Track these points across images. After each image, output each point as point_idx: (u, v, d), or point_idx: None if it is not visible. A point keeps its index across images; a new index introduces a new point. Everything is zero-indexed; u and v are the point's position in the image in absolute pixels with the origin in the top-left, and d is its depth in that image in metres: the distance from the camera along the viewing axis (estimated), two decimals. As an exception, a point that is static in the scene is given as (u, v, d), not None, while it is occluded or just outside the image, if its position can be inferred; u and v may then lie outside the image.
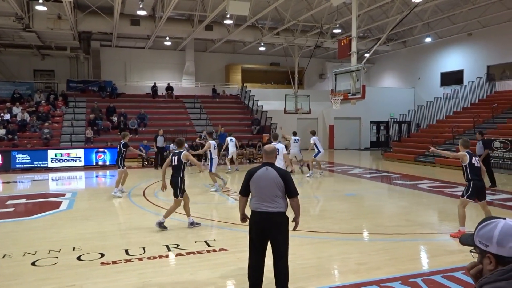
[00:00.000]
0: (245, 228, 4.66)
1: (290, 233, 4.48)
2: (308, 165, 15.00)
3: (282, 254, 4.34)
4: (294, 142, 15.15)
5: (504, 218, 1.56)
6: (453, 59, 25.41)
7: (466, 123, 19.86)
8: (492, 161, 15.53)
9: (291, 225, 4.45)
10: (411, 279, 4.95)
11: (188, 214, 7.54)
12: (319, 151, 14.46)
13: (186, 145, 12.30)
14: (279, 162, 10.19)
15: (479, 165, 6.78)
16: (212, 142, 11.61)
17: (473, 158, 6.77)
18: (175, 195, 7.41)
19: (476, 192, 6.77)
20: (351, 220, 8.39)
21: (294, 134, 15.79)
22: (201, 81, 28.94)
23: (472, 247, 1.61)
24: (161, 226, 7.22)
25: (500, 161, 15.47)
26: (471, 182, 6.70)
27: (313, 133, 15.06)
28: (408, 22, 23.00)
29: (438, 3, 18.91)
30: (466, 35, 23.93)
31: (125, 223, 7.89)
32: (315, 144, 14.48)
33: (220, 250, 6.10)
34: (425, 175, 14.75)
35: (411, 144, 21.23)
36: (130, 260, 5.64)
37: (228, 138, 15.65)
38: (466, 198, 6.77)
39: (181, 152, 7.42)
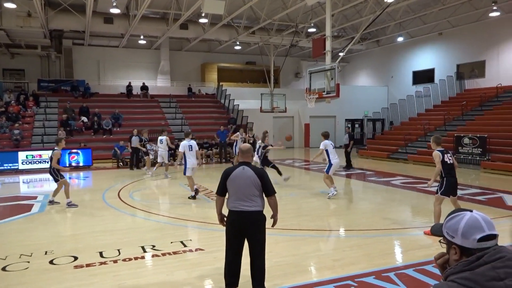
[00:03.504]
0: (221, 227, 4.67)
1: (267, 231, 4.53)
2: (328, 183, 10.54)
3: (259, 252, 4.38)
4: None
5: (471, 211, 1.62)
6: (425, 58, 26.04)
7: (437, 121, 20.41)
8: (461, 157, 16.09)
9: (268, 223, 4.49)
10: (384, 273, 5.06)
11: None
12: (330, 163, 10.29)
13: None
14: (194, 159, 10.18)
15: (451, 162, 6.93)
16: (185, 142, 10.32)
17: (445, 155, 6.88)
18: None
19: (451, 188, 6.92)
20: (326, 217, 8.52)
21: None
22: (176, 80, 28.70)
23: (441, 238, 1.68)
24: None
25: (469, 157, 15.96)
26: (445, 179, 6.82)
27: (325, 136, 10.66)
28: (381, 22, 23.43)
29: (409, 3, 19.34)
30: (437, 35, 24.56)
31: (99, 225, 7.76)
32: (326, 151, 10.38)
33: (196, 250, 6.09)
34: (398, 172, 15.08)
35: (385, 142, 21.67)
36: (104, 263, 5.56)
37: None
38: (441, 195, 6.92)
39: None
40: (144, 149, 16.71)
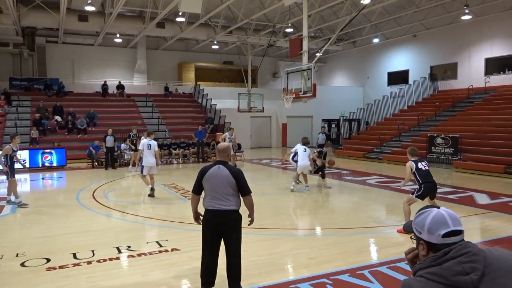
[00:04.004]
0: (197, 227, 4.66)
1: (243, 230, 4.54)
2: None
3: (234, 251, 4.39)
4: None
5: (439, 207, 1.67)
6: (399, 60, 26.56)
7: (411, 121, 20.85)
8: (434, 156, 16.50)
9: (244, 222, 4.50)
10: (359, 271, 5.15)
11: None
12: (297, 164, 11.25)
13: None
14: (151, 158, 10.28)
15: (427, 168, 7.07)
16: (145, 141, 10.37)
17: (419, 163, 7.03)
18: None
19: (428, 193, 7.06)
20: (302, 216, 8.59)
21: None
22: (153, 79, 28.37)
23: (412, 234, 1.72)
24: None
25: (442, 157, 16.37)
26: (423, 185, 6.93)
27: (303, 141, 11.68)
28: (357, 23, 23.77)
29: (385, 5, 19.68)
30: (411, 37, 25.08)
31: (73, 226, 7.61)
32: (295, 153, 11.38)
33: (172, 250, 6.05)
34: (373, 171, 15.33)
35: (361, 141, 22.00)
36: (78, 264, 5.46)
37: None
38: (415, 197, 7.04)
39: None
40: (133, 146, 16.48)
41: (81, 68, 27.05)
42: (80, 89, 25.08)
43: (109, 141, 16.36)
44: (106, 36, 24.22)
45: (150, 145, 10.32)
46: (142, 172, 10.49)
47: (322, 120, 28.00)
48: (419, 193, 6.95)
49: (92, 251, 5.99)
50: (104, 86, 25.08)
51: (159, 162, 11.30)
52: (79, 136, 20.29)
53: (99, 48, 26.92)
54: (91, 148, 17.29)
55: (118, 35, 24.70)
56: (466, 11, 19.58)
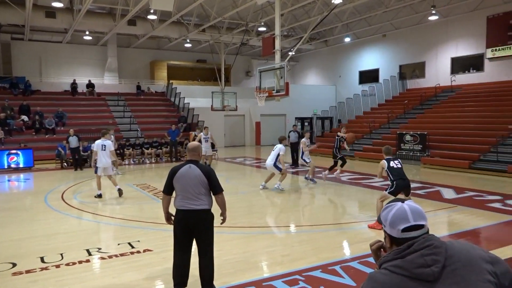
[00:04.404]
0: (170, 227, 4.61)
1: (217, 229, 4.53)
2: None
3: (207, 251, 4.38)
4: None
5: (403, 201, 1.71)
6: (370, 59, 27.06)
7: (382, 119, 21.30)
8: (403, 153, 16.91)
9: (216, 221, 4.49)
10: (330, 266, 5.23)
11: None
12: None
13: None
14: (105, 159, 10.15)
15: (399, 166, 7.22)
16: (99, 142, 10.21)
17: (391, 161, 7.19)
18: None
19: (401, 190, 7.18)
20: (276, 214, 8.65)
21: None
22: (124, 78, 27.86)
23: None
24: None
25: (411, 153, 16.81)
26: (394, 182, 7.08)
27: (279, 140, 11.51)
28: (328, 22, 24.09)
29: (355, 5, 20.01)
30: (381, 36, 25.60)
31: (41, 229, 7.39)
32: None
33: (144, 251, 5.97)
34: (345, 168, 15.53)
35: (333, 139, 22.18)
36: (46, 268, 5.31)
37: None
38: (388, 193, 7.18)
39: None
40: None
41: (48, 66, 26.27)
42: (48, 88, 24.34)
43: (73, 141, 15.94)
44: (75, 33, 23.63)
45: (105, 145, 10.17)
46: (96, 172, 10.29)
47: (295, 118, 28.23)
48: (391, 190, 7.09)
49: (61, 254, 5.84)
50: (73, 85, 24.45)
51: (117, 162, 11.08)
52: (47, 136, 19.72)
53: (68, 45, 26.24)
54: (59, 148, 16.83)
55: (87, 33, 24.12)
56: (433, 11, 20.15)
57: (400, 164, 7.29)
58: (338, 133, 13.52)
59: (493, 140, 14.73)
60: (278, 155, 10.78)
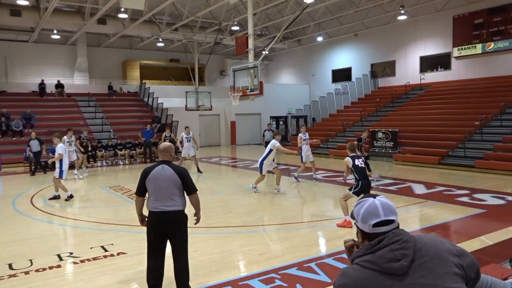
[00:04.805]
0: (144, 229, 4.54)
1: (193, 229, 4.49)
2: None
3: (181, 252, 4.33)
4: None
5: (375, 197, 1.74)
6: (342, 57, 27.44)
7: (355, 117, 21.65)
8: (376, 150, 17.25)
9: (190, 222, 4.45)
10: (306, 264, 5.28)
11: None
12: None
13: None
14: (67, 161, 10.11)
15: (362, 166, 7.28)
16: (61, 145, 10.05)
17: (356, 160, 7.23)
18: None
19: (363, 190, 7.32)
20: (252, 213, 8.65)
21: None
22: (95, 78, 27.25)
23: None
24: None
25: (383, 150, 17.15)
26: (359, 182, 7.15)
27: (274, 136, 11.07)
28: (301, 22, 24.28)
29: (327, 4, 20.24)
30: (353, 36, 25.99)
31: (8, 235, 7.15)
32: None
33: (118, 254, 5.87)
34: (320, 166, 15.73)
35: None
36: (14, 275, 5.14)
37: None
38: (352, 193, 7.26)
39: None
40: (82, 149, 15.39)
41: (15, 66, 25.40)
42: (15, 89, 23.56)
43: (34, 145, 15.47)
44: (42, 32, 22.97)
45: (66, 149, 10.22)
46: (61, 176, 9.97)
47: (270, 117, 28.34)
48: (356, 190, 7.11)
49: (30, 260, 5.66)
50: (42, 85, 23.75)
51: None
52: (14, 138, 19.10)
53: (35, 44, 25.44)
54: (28, 151, 16.30)
55: (55, 31, 23.48)
56: (402, 11, 20.60)
57: (364, 163, 7.33)
58: (360, 136, 13.53)
59: (460, 136, 15.20)
60: (269, 152, 10.24)
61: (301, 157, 12.46)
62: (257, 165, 10.81)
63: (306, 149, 12.44)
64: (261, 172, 10.47)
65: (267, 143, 16.59)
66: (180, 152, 14.98)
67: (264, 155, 10.41)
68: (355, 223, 1.78)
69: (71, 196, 10.00)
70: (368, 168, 11.86)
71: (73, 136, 13.72)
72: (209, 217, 7.79)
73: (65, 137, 13.30)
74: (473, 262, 1.68)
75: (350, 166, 7.19)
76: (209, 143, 27.69)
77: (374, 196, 1.74)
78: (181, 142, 14.79)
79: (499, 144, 14.20)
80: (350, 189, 7.28)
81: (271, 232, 7.31)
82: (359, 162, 7.22)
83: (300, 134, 12.59)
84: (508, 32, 18.59)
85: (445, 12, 20.77)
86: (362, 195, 1.83)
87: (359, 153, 9.31)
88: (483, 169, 13.24)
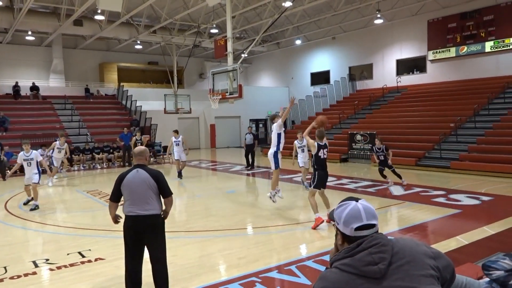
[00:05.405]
0: (122, 234, 4.48)
1: (172, 234, 4.46)
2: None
3: (159, 257, 4.29)
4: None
5: (357, 200, 1.77)
6: (321, 61, 27.73)
7: (333, 119, 21.84)
8: (355, 152, 17.45)
9: (168, 226, 4.41)
10: (286, 267, 5.30)
11: None
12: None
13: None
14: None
15: (325, 157, 7.34)
16: (36, 152, 9.86)
17: (321, 150, 7.26)
18: None
19: (321, 182, 7.35)
20: (232, 217, 8.62)
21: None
22: (72, 80, 26.74)
23: (334, 222, 1.80)
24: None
25: (361, 152, 17.38)
26: (316, 172, 7.23)
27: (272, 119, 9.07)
28: (280, 25, 24.42)
29: (305, 8, 20.43)
30: (331, 39, 26.31)
31: (-18, 242, 6.94)
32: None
33: (96, 260, 5.76)
34: (299, 169, 15.80)
35: (287, 140, 22.30)
36: (-12, 284, 5.00)
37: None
38: (313, 188, 7.37)
39: None
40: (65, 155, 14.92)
41: (-13, 68, 24.71)
42: (-13, 91, 22.92)
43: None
44: (16, 33, 22.43)
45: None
46: (38, 182, 9.72)
47: (250, 120, 28.36)
48: (315, 183, 7.23)
49: (5, 267, 5.50)
50: (16, 88, 23.15)
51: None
52: (-13, 142, 18.52)
53: (8, 46, 24.80)
54: (2, 155, 15.86)
55: (30, 33, 22.94)
56: (378, 15, 20.98)
57: (326, 155, 7.35)
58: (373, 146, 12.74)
59: (436, 138, 15.55)
60: (279, 139, 8.41)
61: (298, 162, 11.87)
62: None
63: (303, 156, 11.64)
64: (276, 167, 8.50)
65: (247, 145, 16.53)
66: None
67: (275, 144, 8.45)
68: (333, 225, 1.80)
69: (37, 207, 9.51)
70: (399, 176, 11.61)
71: (66, 143, 13.41)
72: (189, 221, 7.75)
73: (57, 142, 13.12)
74: (448, 264, 1.72)
75: (314, 152, 7.19)
76: (189, 146, 27.43)
77: (357, 200, 1.77)
78: (170, 146, 14.41)
79: (473, 146, 14.58)
80: (310, 186, 7.41)
81: (251, 235, 7.31)
82: (323, 153, 7.26)
83: (295, 142, 11.81)
84: (480, 36, 19.16)
85: (420, 16, 21.26)
86: (343, 200, 1.84)
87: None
88: (458, 170, 13.56)
